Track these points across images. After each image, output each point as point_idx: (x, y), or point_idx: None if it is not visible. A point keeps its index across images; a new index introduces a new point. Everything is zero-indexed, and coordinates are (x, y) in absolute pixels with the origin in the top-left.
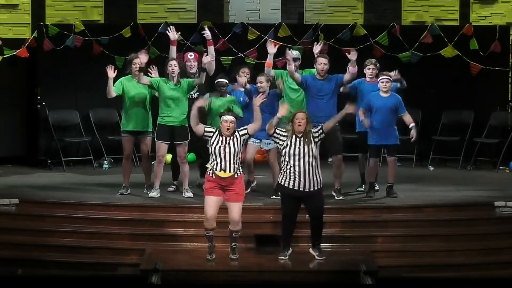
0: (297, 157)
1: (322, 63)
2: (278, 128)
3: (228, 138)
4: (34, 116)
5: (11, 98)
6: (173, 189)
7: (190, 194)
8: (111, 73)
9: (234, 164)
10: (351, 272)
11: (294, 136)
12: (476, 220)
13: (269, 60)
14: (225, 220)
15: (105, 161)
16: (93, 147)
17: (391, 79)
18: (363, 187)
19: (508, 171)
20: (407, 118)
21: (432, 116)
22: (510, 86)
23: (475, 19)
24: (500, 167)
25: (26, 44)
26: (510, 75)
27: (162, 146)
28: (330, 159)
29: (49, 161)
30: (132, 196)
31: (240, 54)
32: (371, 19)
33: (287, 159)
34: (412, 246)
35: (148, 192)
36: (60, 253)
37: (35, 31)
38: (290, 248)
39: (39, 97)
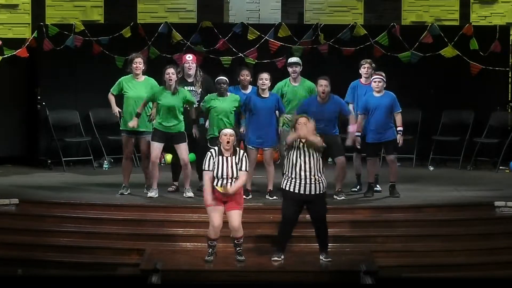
0: (301, 161)
1: (323, 85)
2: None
3: (229, 159)
4: (34, 116)
5: (11, 98)
6: (173, 189)
7: (190, 194)
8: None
9: (234, 181)
10: (351, 272)
11: (298, 140)
12: (476, 220)
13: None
14: (225, 220)
15: (105, 161)
16: (93, 147)
17: (384, 78)
18: (357, 188)
19: (508, 171)
20: (398, 118)
21: (432, 116)
22: (510, 86)
23: (475, 19)
24: (500, 167)
25: (26, 44)
26: (510, 75)
27: (156, 148)
28: (330, 159)
29: (49, 161)
30: (132, 196)
31: (240, 54)
32: (371, 19)
33: (290, 163)
34: (412, 246)
35: (148, 192)
36: (60, 253)
37: (35, 31)
38: (283, 254)
39: (39, 97)
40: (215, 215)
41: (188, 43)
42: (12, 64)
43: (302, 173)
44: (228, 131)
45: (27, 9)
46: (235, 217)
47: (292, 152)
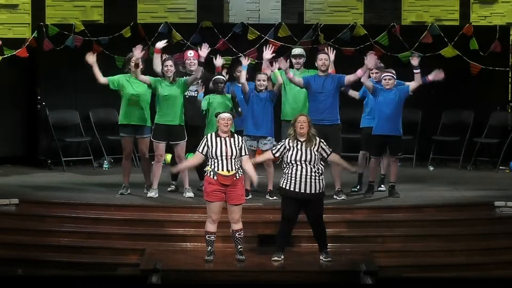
0: (299, 161)
1: (323, 59)
2: (275, 150)
3: (227, 139)
4: (34, 116)
5: (11, 98)
6: (172, 189)
7: (190, 194)
8: (90, 58)
9: (235, 164)
10: (351, 272)
11: (296, 140)
12: (476, 220)
13: (264, 66)
14: (225, 220)
15: (105, 161)
16: (93, 147)
17: (394, 76)
18: (358, 188)
19: (508, 171)
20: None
21: (432, 116)
22: (510, 86)
23: (475, 19)
24: (500, 167)
25: (26, 44)
26: (510, 75)
27: (160, 145)
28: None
29: (49, 161)
30: (132, 196)
31: (240, 54)
32: (371, 19)
33: (289, 163)
34: (412, 246)
35: (147, 192)
36: (60, 253)
37: (35, 31)
38: (283, 254)
39: (39, 97)
40: (214, 209)
41: (188, 43)
42: (12, 64)
43: (299, 173)
44: (226, 115)
45: (27, 9)
46: (236, 210)
47: (290, 152)
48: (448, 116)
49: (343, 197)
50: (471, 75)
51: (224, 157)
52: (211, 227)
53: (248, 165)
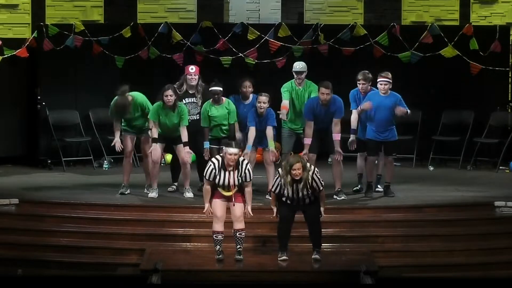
0: (295, 198)
1: (325, 93)
2: (274, 187)
3: (231, 173)
4: (34, 116)
5: (11, 98)
6: (173, 189)
7: (190, 195)
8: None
9: (236, 185)
10: (351, 272)
11: (291, 183)
12: (476, 220)
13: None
14: (226, 221)
15: (105, 161)
16: (93, 147)
17: (390, 81)
18: (359, 187)
19: (508, 171)
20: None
21: (432, 116)
22: (510, 86)
23: (475, 19)
24: (500, 167)
25: (26, 44)
26: (510, 75)
27: (157, 148)
28: (330, 160)
29: (49, 161)
30: (132, 196)
31: (240, 54)
32: (371, 19)
33: (284, 197)
34: (412, 246)
35: (148, 192)
36: (60, 253)
37: (35, 31)
38: (287, 253)
39: (39, 97)
40: (218, 206)
41: (188, 43)
42: (12, 64)
43: (294, 200)
44: (234, 150)
45: (27, 9)
46: (238, 208)
47: (286, 192)
48: (448, 116)
49: (343, 197)
50: (471, 75)
51: (226, 186)
52: (217, 226)
53: (247, 191)
